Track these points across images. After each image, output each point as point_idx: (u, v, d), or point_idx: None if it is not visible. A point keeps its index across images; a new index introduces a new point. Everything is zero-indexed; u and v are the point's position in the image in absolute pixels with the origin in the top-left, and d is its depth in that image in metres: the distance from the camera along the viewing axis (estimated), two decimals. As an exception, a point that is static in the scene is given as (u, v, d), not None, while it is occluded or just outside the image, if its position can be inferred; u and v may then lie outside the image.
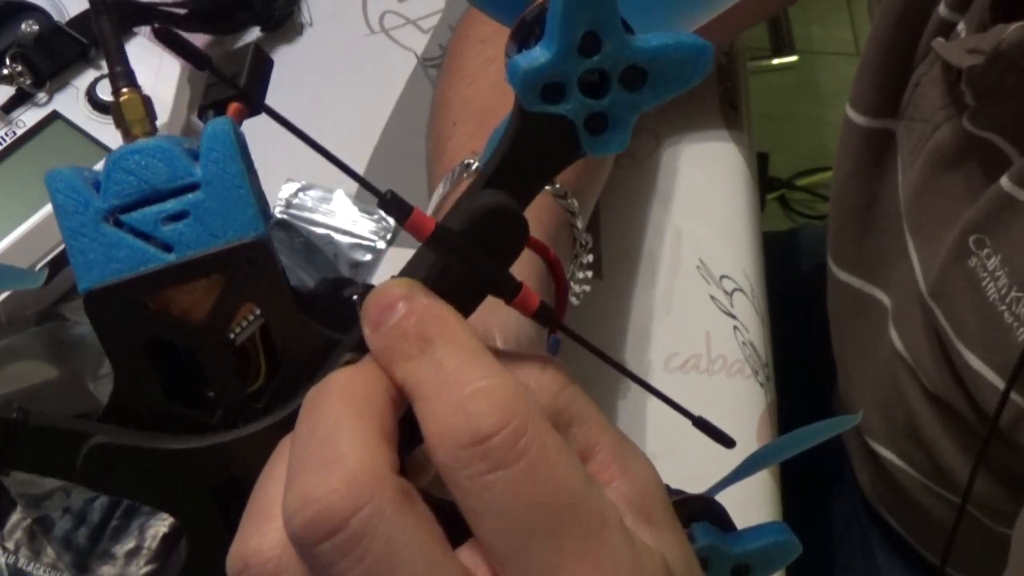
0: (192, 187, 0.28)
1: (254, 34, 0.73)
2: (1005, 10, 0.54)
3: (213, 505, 0.29)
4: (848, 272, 0.71)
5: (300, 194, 0.65)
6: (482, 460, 0.24)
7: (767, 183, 1.66)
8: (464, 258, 0.27)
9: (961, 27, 0.57)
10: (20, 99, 0.59)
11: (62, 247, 0.56)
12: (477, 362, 0.26)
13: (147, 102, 0.29)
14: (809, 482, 0.80)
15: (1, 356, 0.54)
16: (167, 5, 0.67)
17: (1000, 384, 0.54)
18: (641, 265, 0.65)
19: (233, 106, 0.31)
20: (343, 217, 0.65)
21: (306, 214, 0.65)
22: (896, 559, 0.76)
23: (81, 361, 0.55)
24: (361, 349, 0.27)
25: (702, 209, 0.68)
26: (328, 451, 0.25)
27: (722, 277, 0.65)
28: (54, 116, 0.59)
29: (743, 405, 0.61)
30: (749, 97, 0.75)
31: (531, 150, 0.28)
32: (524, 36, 0.28)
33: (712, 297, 0.64)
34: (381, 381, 0.27)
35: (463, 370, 0.25)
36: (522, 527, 0.25)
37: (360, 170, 0.67)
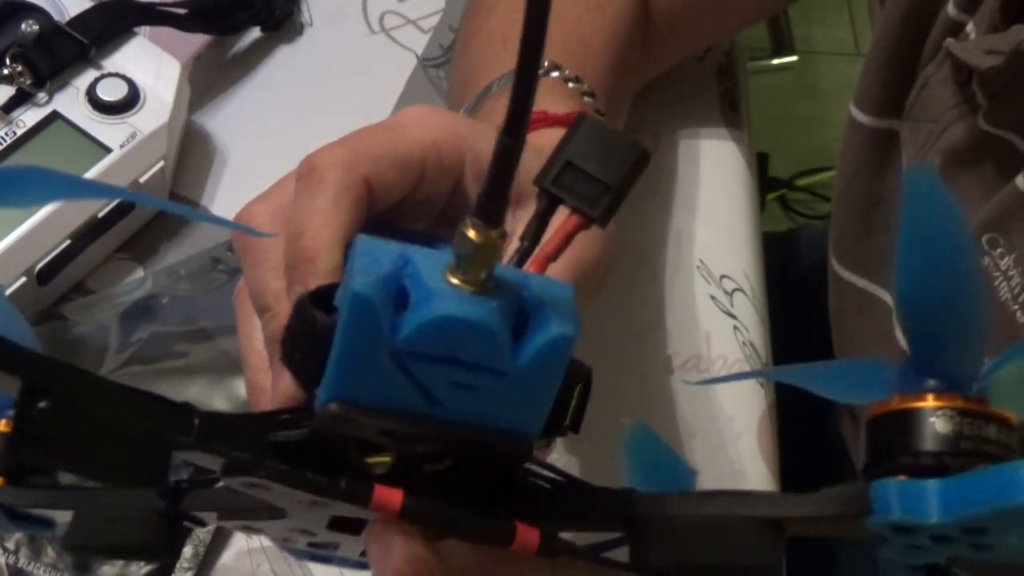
0: (494, 371, 0.24)
1: (254, 34, 0.73)
2: (1015, 12, 0.54)
3: None
4: (851, 271, 0.71)
5: (300, 194, 0.65)
6: None
7: (767, 183, 1.66)
8: (444, 519, 0.26)
9: (970, 28, 0.57)
10: (20, 99, 0.59)
11: (61, 248, 0.56)
12: None
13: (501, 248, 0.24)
14: (809, 482, 0.79)
15: (1, 356, 0.54)
16: (167, 5, 0.67)
17: None
18: (641, 265, 0.65)
19: (572, 221, 0.27)
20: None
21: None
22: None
23: (81, 361, 0.55)
24: None
25: (702, 209, 0.68)
26: None
27: (722, 277, 0.65)
28: (54, 116, 0.59)
29: (743, 405, 0.61)
30: (749, 97, 0.75)
31: (831, 524, 0.27)
32: None
33: (712, 297, 0.64)
34: None
35: None
36: None
37: (360, 170, 0.67)
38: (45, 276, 0.56)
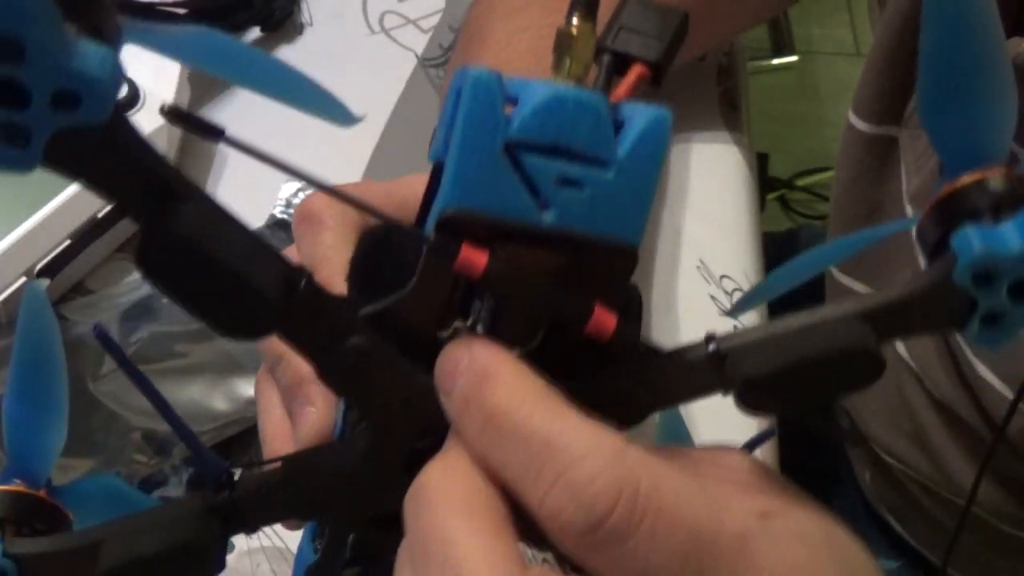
0: (601, 162, 0.25)
1: (254, 34, 0.73)
2: (1012, 24, 0.54)
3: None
4: (850, 276, 0.71)
5: (300, 194, 0.65)
6: (607, 541, 0.24)
7: (767, 183, 1.66)
8: (524, 288, 0.26)
9: None
10: (20, 99, 0.59)
11: (62, 248, 0.56)
12: (553, 425, 0.25)
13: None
14: (809, 482, 0.79)
15: (1, 356, 0.54)
16: (167, 5, 0.67)
17: (1009, 395, 0.54)
18: (641, 265, 0.65)
19: (637, 69, 0.29)
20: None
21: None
22: (896, 559, 0.76)
23: (81, 361, 0.55)
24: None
25: (702, 209, 0.68)
26: (448, 573, 0.24)
27: (722, 277, 0.65)
28: (54, 116, 0.59)
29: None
30: (749, 97, 0.75)
31: (921, 309, 0.27)
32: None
33: (712, 297, 0.64)
34: (474, 470, 0.26)
35: (545, 446, 0.25)
36: None
37: (360, 171, 0.67)
38: (45, 276, 0.56)
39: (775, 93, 1.94)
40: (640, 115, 0.26)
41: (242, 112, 0.67)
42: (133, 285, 0.59)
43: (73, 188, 0.56)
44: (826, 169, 1.73)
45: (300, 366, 0.37)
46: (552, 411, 0.25)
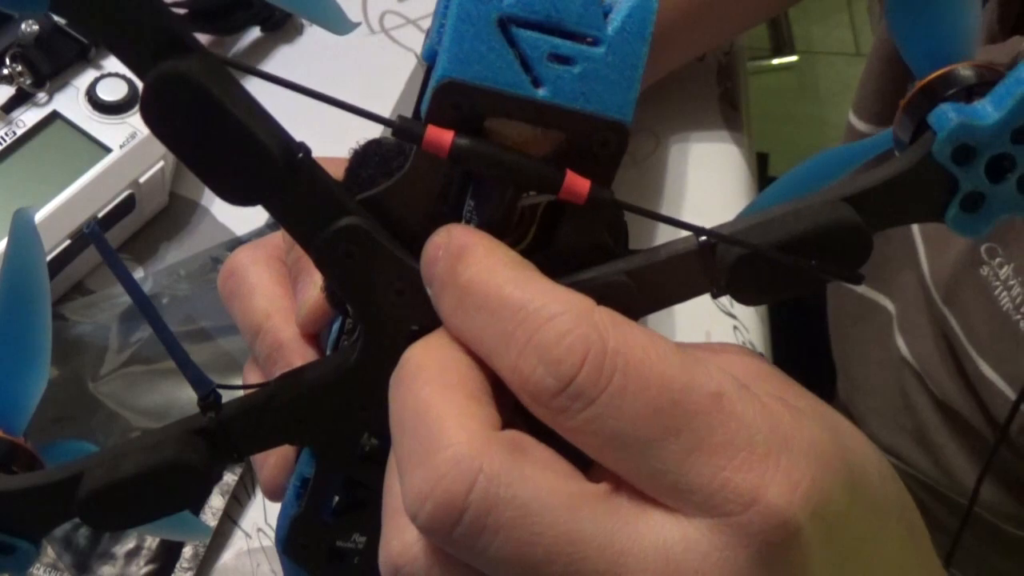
0: (591, 40, 0.26)
1: (254, 34, 0.73)
2: (1013, 24, 0.54)
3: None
4: None
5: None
6: (576, 400, 0.24)
7: (767, 183, 1.66)
8: (492, 159, 0.26)
9: None
10: (20, 99, 0.59)
11: (62, 247, 0.56)
12: (523, 292, 0.25)
13: None
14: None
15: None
16: (167, 5, 0.67)
17: (1011, 395, 0.54)
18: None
19: None
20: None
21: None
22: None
23: (81, 361, 0.55)
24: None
25: (702, 209, 0.68)
26: (424, 441, 0.24)
27: (722, 277, 0.65)
28: (54, 116, 0.59)
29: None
30: (749, 97, 0.75)
31: (903, 192, 0.28)
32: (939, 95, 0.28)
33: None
34: (452, 345, 0.26)
35: (515, 312, 0.25)
36: (638, 444, 0.24)
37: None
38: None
39: (775, 93, 1.94)
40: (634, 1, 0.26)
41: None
42: (133, 285, 0.59)
43: (73, 188, 0.56)
44: (826, 169, 1.72)
45: (279, 333, 0.36)
46: (524, 279, 0.25)
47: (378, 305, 0.28)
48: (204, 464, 0.28)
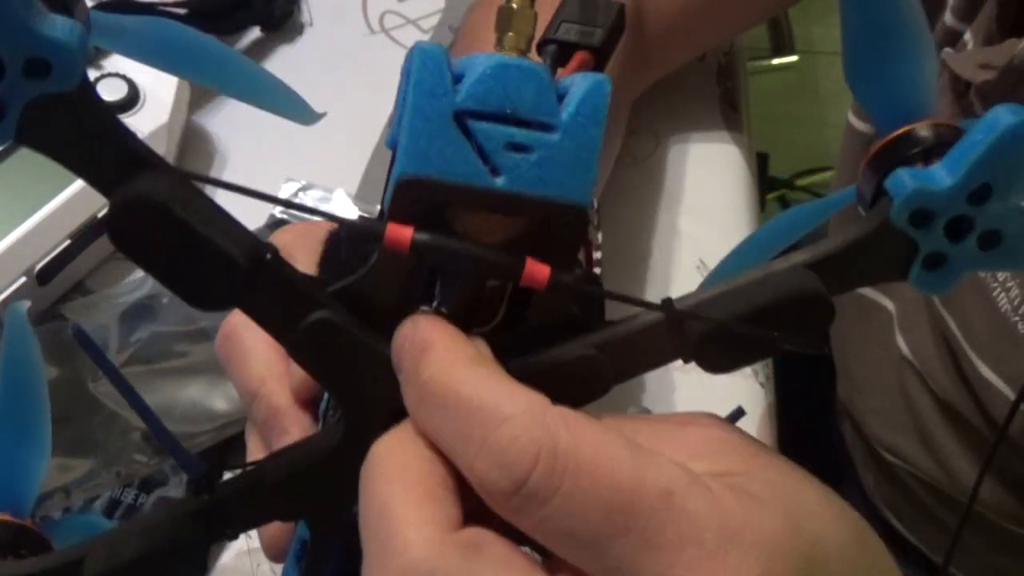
0: (546, 127, 0.26)
1: (254, 34, 0.73)
2: (1012, 24, 0.54)
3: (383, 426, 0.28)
4: None
5: (300, 194, 0.65)
6: (530, 501, 0.24)
7: (767, 183, 1.66)
8: (452, 252, 0.27)
9: (968, 37, 0.57)
10: (20, 99, 0.59)
11: (61, 248, 0.56)
12: (479, 392, 0.25)
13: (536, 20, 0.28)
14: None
15: None
16: (167, 5, 0.67)
17: (1010, 395, 0.54)
18: (641, 265, 0.65)
19: (579, 56, 0.30)
20: (344, 216, 0.65)
21: (306, 215, 0.65)
22: (897, 558, 0.76)
23: (81, 361, 0.55)
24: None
25: (702, 209, 0.68)
26: (383, 543, 0.25)
27: (722, 277, 0.65)
28: (54, 116, 0.59)
29: (743, 404, 0.61)
30: (749, 97, 0.75)
31: (865, 256, 0.28)
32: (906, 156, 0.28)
33: (712, 297, 0.64)
34: (415, 440, 0.27)
35: (470, 413, 0.25)
36: (591, 542, 0.24)
37: (360, 170, 0.67)
38: (45, 276, 0.56)
39: (775, 93, 1.94)
40: (580, 81, 0.27)
41: (241, 112, 0.67)
42: (133, 285, 0.59)
43: (73, 188, 0.56)
44: (826, 169, 1.73)
45: (274, 398, 0.37)
46: (480, 378, 0.26)
47: (356, 391, 0.29)
48: (200, 546, 0.29)
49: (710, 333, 0.28)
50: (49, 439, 0.31)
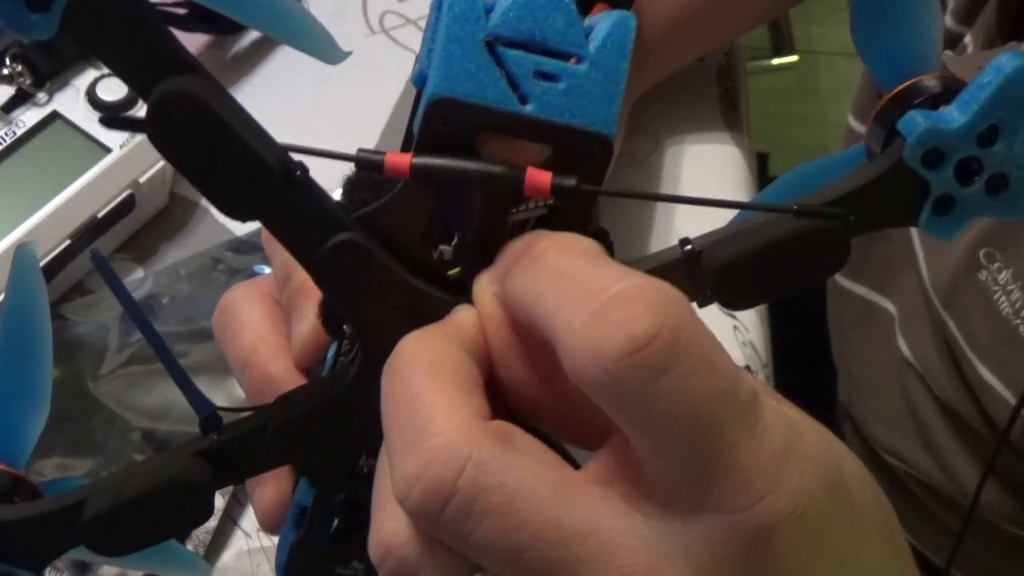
0: (574, 57, 0.27)
1: (254, 34, 0.73)
2: (1012, 27, 0.54)
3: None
4: (852, 280, 0.71)
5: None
6: (643, 369, 0.22)
7: (767, 183, 1.66)
8: (451, 170, 0.27)
9: (968, 40, 0.57)
10: (20, 99, 0.59)
11: (62, 247, 0.56)
12: (603, 265, 0.25)
13: None
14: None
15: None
16: (167, 5, 0.67)
17: (1011, 399, 0.54)
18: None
19: (600, 7, 0.31)
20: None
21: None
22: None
23: (81, 361, 0.55)
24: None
25: (702, 209, 0.68)
26: (415, 427, 0.25)
27: (722, 277, 0.65)
28: (54, 116, 0.59)
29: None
30: (749, 97, 0.75)
31: (877, 198, 0.29)
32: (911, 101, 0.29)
33: (712, 297, 0.64)
34: (447, 338, 0.27)
35: (592, 274, 0.24)
36: (687, 429, 0.23)
37: (360, 170, 0.67)
38: (45, 276, 0.56)
39: (775, 93, 1.94)
40: (605, 18, 0.28)
41: (246, 105, 0.67)
42: (133, 285, 0.59)
43: (73, 188, 0.56)
44: (826, 169, 1.72)
45: (265, 366, 0.37)
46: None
47: (375, 319, 0.29)
48: (207, 483, 0.29)
49: (728, 264, 0.29)
50: (48, 390, 0.30)
